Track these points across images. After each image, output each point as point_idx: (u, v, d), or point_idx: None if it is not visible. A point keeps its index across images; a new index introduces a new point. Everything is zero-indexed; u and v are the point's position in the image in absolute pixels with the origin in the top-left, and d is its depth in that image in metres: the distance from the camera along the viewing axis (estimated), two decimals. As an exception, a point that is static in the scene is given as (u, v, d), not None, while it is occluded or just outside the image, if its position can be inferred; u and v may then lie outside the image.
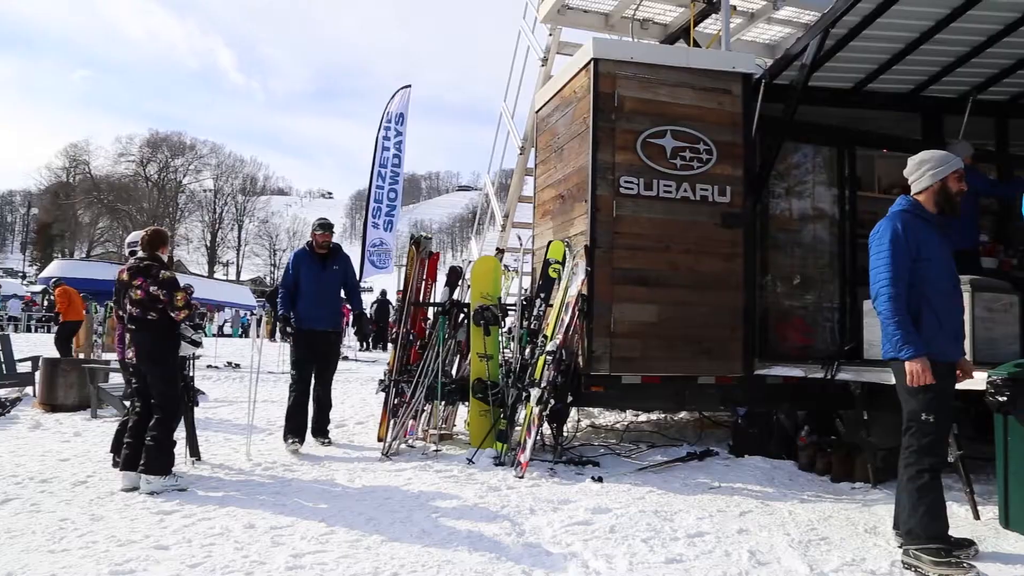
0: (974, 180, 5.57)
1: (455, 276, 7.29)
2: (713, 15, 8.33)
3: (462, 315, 6.87)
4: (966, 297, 5.08)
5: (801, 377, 6.08)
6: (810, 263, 7.23)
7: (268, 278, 72.31)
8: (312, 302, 6.76)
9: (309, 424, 6.73)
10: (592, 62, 6.41)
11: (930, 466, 3.67)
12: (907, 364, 3.63)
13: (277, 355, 15.00)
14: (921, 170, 3.89)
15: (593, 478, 5.35)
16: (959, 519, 4.37)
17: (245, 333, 35.01)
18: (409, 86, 11.46)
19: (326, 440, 6.81)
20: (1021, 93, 7.42)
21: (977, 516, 4.49)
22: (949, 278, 3.81)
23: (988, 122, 7.81)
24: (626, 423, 8.15)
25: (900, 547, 3.76)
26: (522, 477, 5.41)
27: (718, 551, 3.89)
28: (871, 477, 5.37)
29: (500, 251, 9.58)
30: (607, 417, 8.46)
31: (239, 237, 74.91)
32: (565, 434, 6.57)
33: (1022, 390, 4.07)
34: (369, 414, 8.57)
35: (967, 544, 3.83)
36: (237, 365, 15.19)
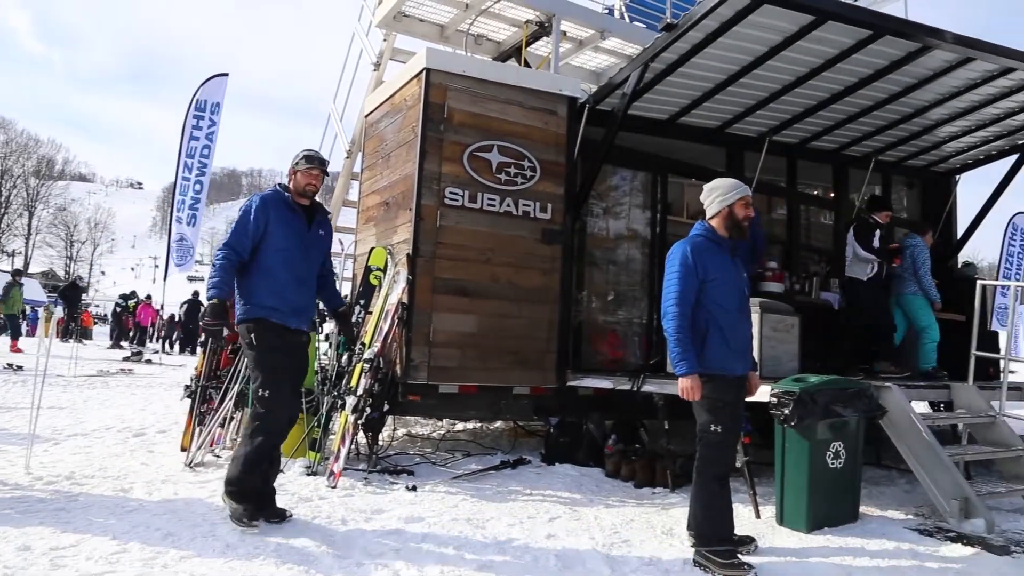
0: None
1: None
2: (545, 38, 8.60)
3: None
4: (755, 318, 5.59)
5: (610, 389, 6.40)
6: (623, 280, 7.64)
7: (63, 271, 65.95)
8: (292, 281, 4.37)
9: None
10: (424, 72, 6.43)
11: (719, 473, 3.96)
12: (680, 380, 3.91)
13: (71, 355, 13.74)
14: (712, 196, 4.18)
15: (407, 487, 5.32)
16: (743, 518, 4.77)
17: (32, 332, 31.69)
18: (226, 74, 10.89)
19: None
20: (808, 138, 8.27)
21: (758, 515, 4.91)
22: (737, 298, 4.10)
23: (781, 161, 8.64)
24: (443, 432, 8.18)
25: (692, 547, 4.03)
26: (335, 487, 5.27)
27: (527, 556, 3.99)
28: (670, 482, 5.71)
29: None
30: (424, 426, 8.45)
31: (29, 225, 67.74)
32: (381, 443, 6.48)
33: (798, 403, 4.52)
34: (173, 422, 8.01)
35: (748, 541, 4.18)
36: (19, 367, 13.67)
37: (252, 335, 4.29)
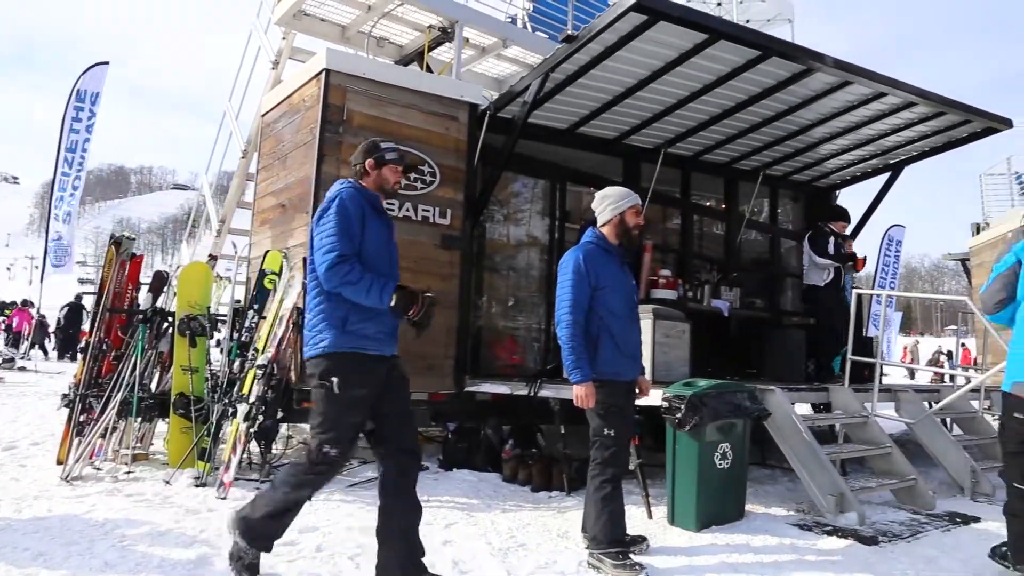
0: None
1: (160, 282, 6.73)
2: (447, 44, 8.61)
3: (166, 324, 6.35)
4: (648, 324, 5.75)
5: (508, 394, 6.44)
6: (523, 286, 7.72)
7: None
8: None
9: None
10: (324, 72, 6.32)
11: (612, 476, 4.03)
12: (575, 387, 3.99)
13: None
14: (603, 204, 4.26)
15: (303, 496, 5.20)
16: (636, 519, 4.88)
17: None
18: (107, 63, 10.29)
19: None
20: (701, 151, 8.59)
21: (650, 515, 5.03)
22: (627, 305, 4.20)
23: (676, 172, 8.93)
24: (341, 439, 8.02)
25: (587, 548, 4.10)
26: (225, 498, 5.09)
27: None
28: (566, 486, 5.78)
29: (213, 257, 9.03)
30: (321, 434, 8.27)
31: None
32: (274, 452, 6.31)
33: (689, 407, 4.68)
34: (49, 433, 7.52)
35: (640, 540, 4.29)
36: None
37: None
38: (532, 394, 6.10)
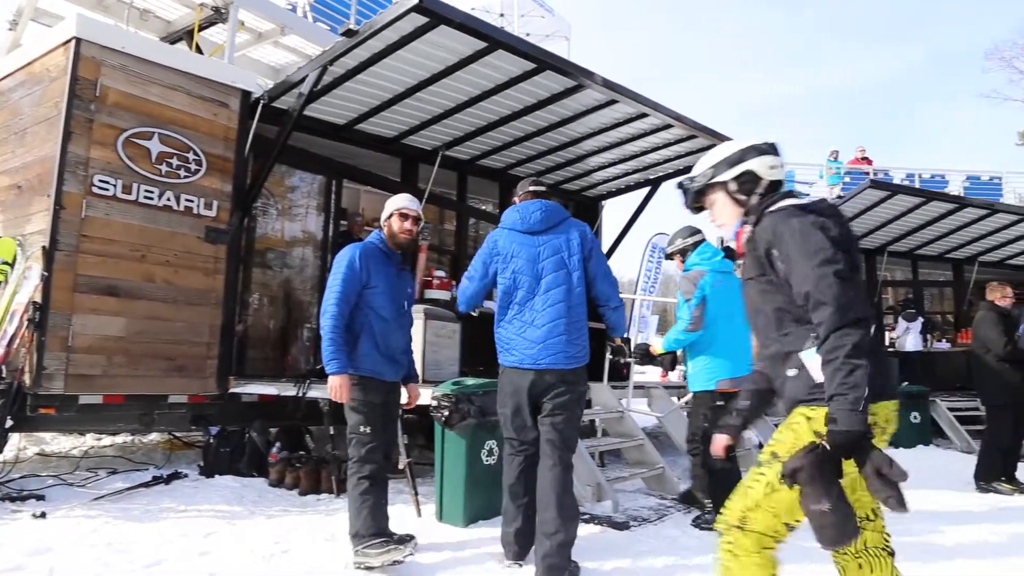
0: None
1: None
2: (221, 24, 8.12)
3: None
4: (419, 323, 5.79)
5: (275, 395, 6.21)
6: (296, 284, 7.46)
7: None
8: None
9: None
10: (74, 41, 5.72)
11: (370, 473, 4.01)
12: (330, 378, 3.98)
13: None
14: (384, 209, 4.34)
15: (35, 514, 4.66)
16: (406, 518, 4.88)
17: None
18: None
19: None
20: (478, 155, 8.80)
21: (419, 514, 5.05)
22: (395, 309, 4.23)
23: (453, 175, 9.08)
24: (85, 449, 7.30)
25: (353, 549, 4.04)
26: (-67, 519, 4.44)
27: (175, 578, 3.72)
28: (335, 488, 5.68)
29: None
30: (62, 443, 7.47)
31: None
32: (2, 465, 5.60)
33: (456, 405, 4.77)
34: None
35: (409, 539, 4.27)
36: None
37: None
38: (301, 395, 5.92)
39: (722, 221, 2.63)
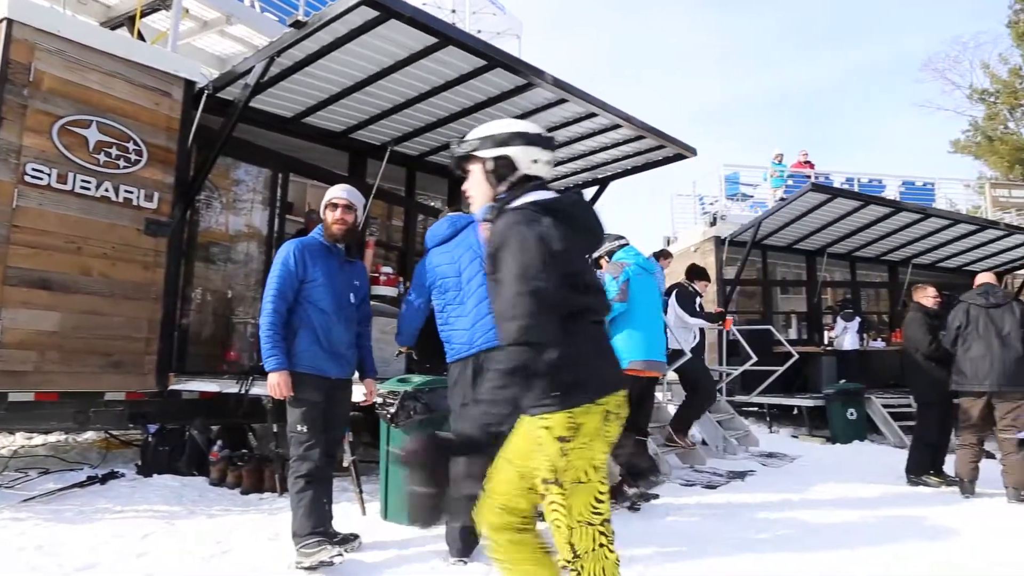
0: None
1: None
2: (164, 11, 7.91)
3: None
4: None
5: (217, 392, 6.08)
6: (240, 278, 7.32)
7: None
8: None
9: None
10: (6, 22, 5.49)
11: (307, 472, 3.97)
12: (269, 375, 3.95)
13: None
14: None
15: (-43, 516, 4.49)
16: (351, 517, 4.85)
17: None
18: None
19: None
20: (427, 152, 8.74)
21: (364, 512, 5.03)
22: (337, 303, 4.16)
23: (402, 171, 9.01)
24: (14, 448, 7.05)
25: (295, 548, 3.99)
26: None
27: (108, 581, 3.62)
28: (278, 487, 5.60)
29: None
30: (-11, 441, 7.21)
31: None
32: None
33: (402, 403, 4.74)
34: None
35: (353, 538, 4.26)
36: None
37: None
38: (243, 392, 5.82)
39: (472, 194, 2.58)
